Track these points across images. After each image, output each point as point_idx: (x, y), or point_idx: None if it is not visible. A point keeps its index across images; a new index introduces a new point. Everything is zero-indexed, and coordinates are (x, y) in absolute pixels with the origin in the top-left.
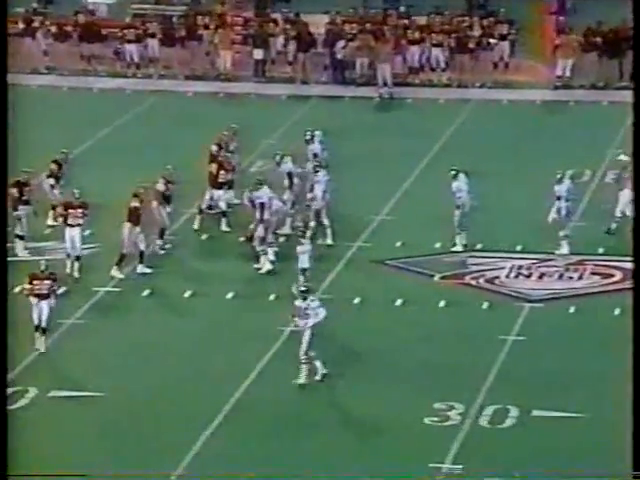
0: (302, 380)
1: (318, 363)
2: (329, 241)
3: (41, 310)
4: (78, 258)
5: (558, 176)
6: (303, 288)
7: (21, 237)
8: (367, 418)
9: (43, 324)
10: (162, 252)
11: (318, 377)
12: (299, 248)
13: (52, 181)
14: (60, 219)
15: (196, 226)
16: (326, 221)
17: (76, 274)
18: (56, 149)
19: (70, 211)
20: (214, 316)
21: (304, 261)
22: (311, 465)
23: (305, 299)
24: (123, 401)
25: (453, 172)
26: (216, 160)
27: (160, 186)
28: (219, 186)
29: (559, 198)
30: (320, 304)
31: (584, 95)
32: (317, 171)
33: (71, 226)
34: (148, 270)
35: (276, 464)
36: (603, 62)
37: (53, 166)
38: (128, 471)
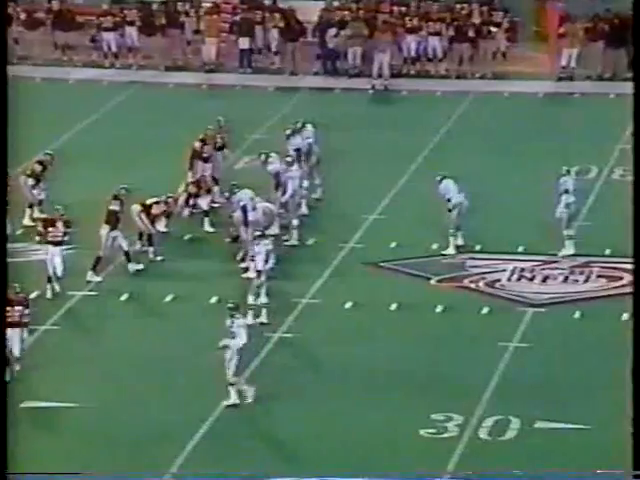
0: (231, 401)
1: (246, 387)
2: (293, 241)
3: (11, 341)
4: (58, 278)
5: (564, 169)
6: (230, 305)
7: None
8: (360, 429)
9: (15, 354)
10: (159, 259)
11: (250, 400)
12: (256, 248)
13: (32, 181)
14: (39, 237)
15: (162, 229)
16: (295, 221)
17: (57, 288)
18: (29, 144)
19: (50, 229)
20: (197, 321)
21: (259, 263)
22: (306, 474)
23: (232, 316)
24: (100, 412)
25: (439, 178)
26: (200, 156)
27: (158, 208)
28: (197, 196)
29: (567, 191)
30: (244, 324)
31: (590, 87)
32: (290, 165)
33: (52, 244)
34: (140, 266)
35: (270, 466)
36: (610, 52)
37: (37, 166)
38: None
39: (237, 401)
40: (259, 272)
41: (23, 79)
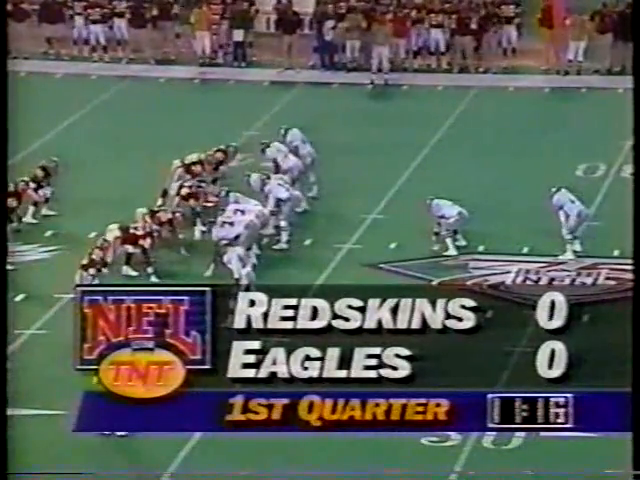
0: None
1: None
2: (283, 245)
3: None
4: None
5: (553, 189)
6: None
7: None
8: (358, 437)
9: None
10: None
11: None
12: (225, 257)
13: (33, 185)
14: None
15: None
16: (283, 223)
17: None
18: (14, 142)
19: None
20: None
21: (235, 271)
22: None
23: None
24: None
25: (429, 200)
26: (193, 173)
27: (165, 216)
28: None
29: (561, 207)
30: None
31: (598, 81)
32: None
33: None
34: (133, 273)
35: (269, 465)
36: (619, 44)
37: (39, 172)
38: None
39: None
40: (237, 280)
41: (7, 74)
